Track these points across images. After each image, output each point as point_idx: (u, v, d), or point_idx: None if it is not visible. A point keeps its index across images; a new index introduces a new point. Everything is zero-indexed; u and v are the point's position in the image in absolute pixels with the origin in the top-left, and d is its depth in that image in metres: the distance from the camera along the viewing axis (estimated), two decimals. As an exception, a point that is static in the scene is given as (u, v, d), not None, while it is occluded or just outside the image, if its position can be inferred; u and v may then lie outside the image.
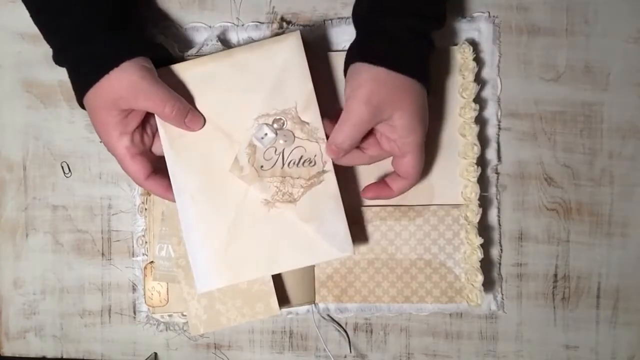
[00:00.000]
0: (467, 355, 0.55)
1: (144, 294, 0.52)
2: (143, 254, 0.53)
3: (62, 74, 0.54)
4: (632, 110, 0.54)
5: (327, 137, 0.46)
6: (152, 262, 0.51)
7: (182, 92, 0.45)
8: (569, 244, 0.55)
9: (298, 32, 0.46)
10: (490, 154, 0.54)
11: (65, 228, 0.55)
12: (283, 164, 0.46)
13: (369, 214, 0.52)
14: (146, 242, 0.52)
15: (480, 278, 0.50)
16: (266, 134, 0.45)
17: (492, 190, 0.54)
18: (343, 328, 0.55)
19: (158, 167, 0.46)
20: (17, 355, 0.55)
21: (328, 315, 0.55)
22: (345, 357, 0.55)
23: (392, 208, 0.52)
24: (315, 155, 0.46)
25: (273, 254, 0.45)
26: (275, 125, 0.46)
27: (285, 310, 0.53)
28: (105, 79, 0.42)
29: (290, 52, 0.46)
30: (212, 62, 0.46)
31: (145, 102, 0.43)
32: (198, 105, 0.46)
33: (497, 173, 0.54)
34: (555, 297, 0.55)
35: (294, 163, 0.46)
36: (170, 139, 0.45)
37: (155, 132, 0.46)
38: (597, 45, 0.54)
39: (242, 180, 0.46)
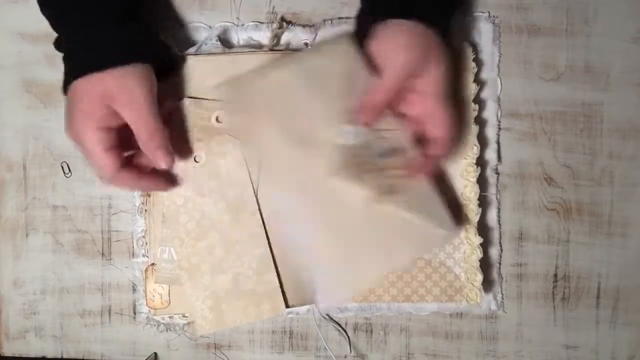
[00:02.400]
0: (467, 355, 0.55)
1: (145, 296, 0.51)
2: (143, 255, 0.53)
3: (62, 73, 0.54)
4: (632, 110, 0.54)
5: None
6: (153, 264, 0.51)
7: (250, 106, 0.44)
8: (569, 244, 0.55)
9: (348, 34, 0.46)
10: (490, 154, 0.54)
11: (65, 228, 0.55)
12: (376, 157, 0.46)
13: None
14: (146, 244, 0.52)
15: (479, 277, 0.51)
16: (350, 131, 0.45)
17: (492, 190, 0.54)
18: (343, 328, 0.55)
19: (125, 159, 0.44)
20: (17, 355, 0.55)
21: (328, 315, 0.55)
22: (345, 357, 0.55)
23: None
24: (400, 143, 0.46)
25: (389, 252, 0.46)
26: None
27: (285, 310, 0.53)
28: (108, 73, 0.41)
29: (346, 50, 0.46)
30: (275, 71, 0.45)
31: (130, 116, 0.42)
32: (272, 115, 0.44)
33: (497, 173, 0.54)
34: (555, 297, 0.55)
35: (385, 155, 0.46)
36: (259, 166, 0.45)
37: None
38: (597, 45, 0.54)
39: (341, 182, 0.44)
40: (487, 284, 0.54)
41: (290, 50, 0.52)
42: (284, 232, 0.46)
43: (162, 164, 0.43)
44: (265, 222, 0.47)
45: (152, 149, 0.43)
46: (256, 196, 0.47)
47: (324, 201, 0.45)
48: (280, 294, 0.49)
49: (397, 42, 0.43)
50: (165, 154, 0.43)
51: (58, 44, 0.45)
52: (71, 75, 0.42)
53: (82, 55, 0.42)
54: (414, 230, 0.46)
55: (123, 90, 0.41)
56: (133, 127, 0.42)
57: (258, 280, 0.48)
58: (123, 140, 0.43)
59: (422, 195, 0.46)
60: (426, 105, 0.45)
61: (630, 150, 0.54)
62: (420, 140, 0.47)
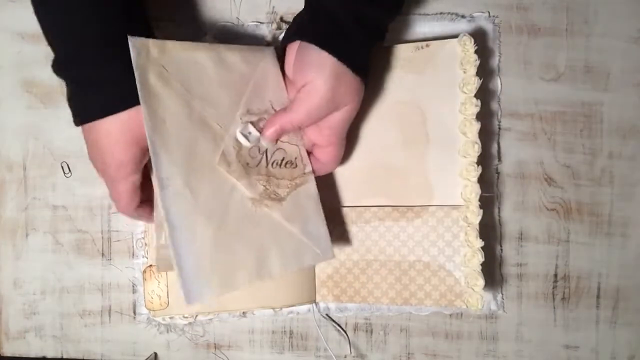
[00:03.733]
0: (467, 355, 0.55)
1: (144, 298, 0.51)
2: (143, 257, 0.53)
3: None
4: (632, 110, 0.54)
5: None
6: (151, 265, 0.51)
7: (171, 70, 0.42)
8: (569, 244, 0.55)
9: (272, 48, 0.47)
10: (491, 153, 0.54)
11: (65, 228, 0.55)
12: (267, 164, 0.45)
13: (367, 214, 0.52)
14: (146, 245, 0.52)
15: (481, 282, 0.48)
16: (250, 132, 0.45)
17: (492, 190, 0.54)
18: (343, 328, 0.55)
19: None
20: (17, 355, 0.55)
21: (327, 315, 0.55)
22: (345, 357, 0.55)
23: (390, 209, 0.51)
24: (295, 158, 0.47)
25: (261, 258, 0.43)
26: (260, 124, 0.45)
27: (285, 309, 0.53)
28: (135, 113, 0.40)
29: (268, 62, 0.47)
30: (200, 52, 0.44)
31: None
32: (184, 88, 0.43)
33: (497, 173, 0.54)
34: (555, 297, 0.55)
35: (277, 164, 0.46)
36: (154, 124, 0.40)
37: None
38: (597, 45, 0.54)
39: (231, 176, 0.43)
40: (487, 284, 0.54)
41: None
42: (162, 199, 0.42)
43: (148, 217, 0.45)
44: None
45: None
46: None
47: (211, 184, 0.43)
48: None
49: (323, 82, 0.42)
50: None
51: (59, 68, 0.42)
52: (93, 112, 0.40)
53: (106, 88, 0.40)
54: (292, 242, 0.45)
55: None
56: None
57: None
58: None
59: (306, 212, 0.46)
60: (322, 136, 0.46)
61: (630, 150, 0.54)
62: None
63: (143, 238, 0.53)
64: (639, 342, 0.55)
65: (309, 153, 0.48)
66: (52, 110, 0.54)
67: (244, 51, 0.46)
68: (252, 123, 0.45)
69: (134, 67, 0.39)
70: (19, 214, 0.55)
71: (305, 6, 0.46)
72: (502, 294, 0.54)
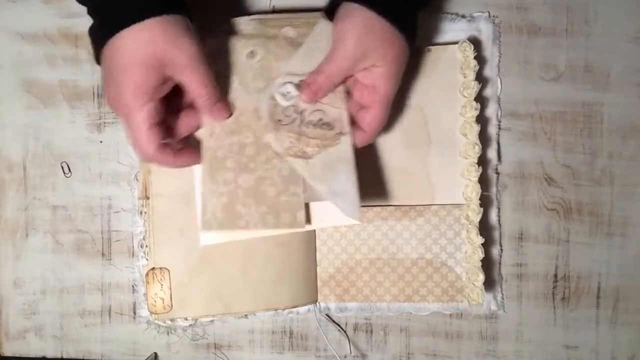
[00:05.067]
0: (467, 355, 0.55)
1: (147, 301, 0.51)
2: (143, 257, 0.53)
3: (62, 73, 0.54)
4: (632, 110, 0.54)
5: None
6: (153, 268, 0.51)
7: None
8: (569, 244, 0.55)
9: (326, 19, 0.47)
10: (491, 154, 0.54)
11: (65, 228, 0.55)
12: (301, 123, 0.46)
13: (370, 213, 0.52)
14: (146, 246, 0.52)
15: (481, 277, 0.50)
16: (289, 92, 0.46)
17: (492, 190, 0.54)
18: (343, 328, 0.55)
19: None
20: (17, 355, 0.55)
21: (327, 315, 0.55)
22: (345, 357, 0.55)
23: (394, 208, 0.52)
24: (334, 120, 0.46)
25: (275, 210, 0.44)
26: (301, 85, 0.46)
27: (285, 309, 0.53)
28: (155, 24, 0.37)
29: (322, 27, 0.47)
30: (254, 24, 0.47)
31: (190, 76, 0.40)
32: (231, 57, 0.46)
33: (497, 173, 0.54)
34: (555, 297, 0.55)
35: (311, 124, 0.46)
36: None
37: (182, 109, 0.44)
38: (597, 45, 0.54)
39: (259, 129, 0.45)
40: (488, 284, 0.54)
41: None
42: None
43: (223, 117, 0.44)
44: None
45: (212, 104, 0.43)
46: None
47: (241, 139, 0.45)
48: (304, 210, 0.45)
49: (351, 29, 0.42)
50: (224, 106, 0.44)
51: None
52: (108, 28, 0.38)
53: (119, 4, 0.38)
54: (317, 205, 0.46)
55: (176, 50, 0.39)
56: (190, 87, 0.41)
57: (284, 189, 0.45)
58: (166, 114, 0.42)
59: (338, 173, 0.45)
60: (364, 95, 0.45)
61: (630, 150, 0.54)
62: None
63: (143, 238, 0.53)
64: (639, 342, 0.55)
65: (354, 124, 0.46)
66: (52, 110, 0.54)
67: (299, 18, 0.48)
68: (292, 83, 0.46)
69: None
70: (19, 214, 0.55)
71: None
72: (502, 294, 0.54)
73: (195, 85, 0.41)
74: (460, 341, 0.55)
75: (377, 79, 0.44)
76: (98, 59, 0.42)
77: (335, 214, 0.44)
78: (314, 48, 0.46)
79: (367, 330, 0.55)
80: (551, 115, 0.54)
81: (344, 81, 0.46)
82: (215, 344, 0.55)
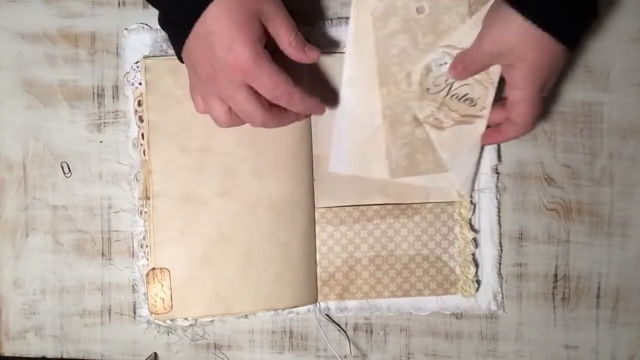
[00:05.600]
0: (467, 355, 0.55)
1: (147, 301, 0.51)
2: (143, 257, 0.53)
3: (62, 73, 0.54)
4: (632, 110, 0.54)
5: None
6: (154, 268, 0.51)
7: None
8: (569, 244, 0.55)
9: None
10: (490, 154, 0.54)
11: (65, 228, 0.55)
12: (447, 94, 0.49)
13: (369, 212, 0.53)
14: (147, 246, 0.52)
15: (472, 269, 0.53)
16: (445, 62, 0.47)
17: (492, 190, 0.54)
18: (343, 329, 0.55)
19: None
20: (17, 355, 0.55)
21: (327, 315, 0.55)
22: (345, 357, 0.55)
23: (392, 206, 0.53)
24: (479, 98, 0.49)
25: (401, 162, 0.50)
26: None
27: (285, 310, 0.53)
28: None
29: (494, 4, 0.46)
30: None
31: (280, 25, 0.41)
32: (402, 15, 0.46)
33: (497, 173, 0.54)
34: (555, 297, 0.55)
35: (456, 97, 0.49)
36: (356, 32, 0.46)
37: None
38: (597, 45, 0.54)
39: (406, 94, 0.48)
40: (487, 284, 0.54)
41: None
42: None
43: (315, 56, 0.44)
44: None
45: (301, 47, 0.43)
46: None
47: (385, 99, 0.49)
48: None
49: (492, 26, 0.43)
50: (313, 47, 0.44)
51: None
52: (192, 10, 0.39)
53: None
54: (437, 165, 0.51)
55: (264, 2, 0.40)
56: (279, 36, 0.42)
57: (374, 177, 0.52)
58: None
59: (462, 145, 0.50)
60: (511, 93, 0.46)
61: (630, 150, 0.54)
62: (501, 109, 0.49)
63: (143, 239, 0.53)
64: (639, 342, 0.55)
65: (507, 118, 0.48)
66: (52, 110, 0.54)
67: None
68: (449, 54, 0.47)
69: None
70: (19, 214, 0.55)
71: None
72: (502, 294, 0.54)
73: (284, 32, 0.42)
74: (460, 341, 0.55)
75: (518, 81, 0.45)
76: (181, 49, 0.42)
77: (452, 179, 0.51)
78: (479, 24, 0.46)
79: (367, 330, 0.55)
80: (551, 115, 0.54)
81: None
82: (215, 344, 0.55)
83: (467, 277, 0.53)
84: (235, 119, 0.45)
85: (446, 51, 0.47)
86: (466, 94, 0.49)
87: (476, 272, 0.53)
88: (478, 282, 0.54)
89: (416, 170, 0.51)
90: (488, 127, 0.51)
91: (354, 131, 0.50)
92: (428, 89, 0.48)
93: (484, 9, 0.46)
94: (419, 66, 0.48)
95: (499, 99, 0.50)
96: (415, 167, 0.51)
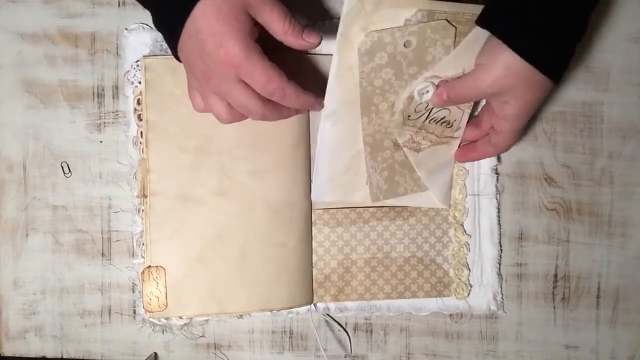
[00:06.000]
0: (467, 355, 0.55)
1: (142, 299, 0.51)
2: (140, 256, 0.53)
3: (62, 73, 0.54)
4: (632, 110, 0.54)
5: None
6: (149, 266, 0.51)
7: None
8: (569, 244, 0.55)
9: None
10: (490, 154, 0.54)
11: (65, 228, 0.55)
12: (426, 119, 0.49)
13: (366, 214, 0.53)
14: (143, 244, 0.52)
15: (466, 272, 0.53)
16: (428, 92, 0.47)
17: (492, 190, 0.54)
18: (344, 328, 0.55)
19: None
20: (17, 355, 0.55)
21: (328, 315, 0.55)
22: (345, 357, 0.55)
23: (388, 209, 0.53)
24: (455, 120, 0.50)
25: (382, 186, 0.51)
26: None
27: (280, 310, 0.53)
28: None
29: (477, 36, 0.45)
30: (408, 10, 0.44)
31: (270, 14, 0.40)
32: (390, 48, 0.45)
33: (497, 173, 0.54)
34: (555, 297, 0.55)
35: (435, 120, 0.50)
36: (340, 67, 0.45)
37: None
38: (597, 45, 0.54)
39: (388, 122, 0.49)
40: (487, 285, 0.54)
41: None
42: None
43: (314, 42, 0.42)
44: None
45: (298, 33, 0.42)
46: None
47: (372, 124, 0.49)
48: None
49: (491, 68, 0.42)
50: (312, 32, 0.42)
51: None
52: (181, 10, 0.39)
53: None
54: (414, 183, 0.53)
55: None
56: (272, 25, 0.41)
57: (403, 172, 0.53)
58: None
59: (437, 164, 0.52)
60: (498, 123, 0.46)
61: (630, 150, 0.54)
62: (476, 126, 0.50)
63: (141, 238, 0.53)
64: (639, 342, 0.55)
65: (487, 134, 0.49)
66: (52, 110, 0.54)
67: (455, 12, 0.45)
68: (433, 84, 0.47)
69: (343, 15, 0.40)
70: (19, 214, 0.55)
71: None
72: (502, 294, 0.54)
73: (276, 22, 0.41)
74: (460, 341, 0.55)
75: (508, 115, 0.45)
76: (175, 49, 0.42)
77: (430, 197, 0.53)
78: (462, 55, 0.46)
79: (367, 330, 0.55)
80: (551, 115, 0.54)
81: None
82: (215, 344, 0.55)
83: (460, 279, 0.53)
84: (235, 114, 0.44)
85: (430, 80, 0.47)
86: (444, 117, 0.49)
87: (469, 274, 0.54)
88: (471, 284, 0.54)
89: (396, 192, 0.52)
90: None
91: (335, 161, 0.50)
92: (409, 116, 0.49)
93: (467, 39, 0.45)
94: (403, 97, 0.48)
95: (472, 117, 0.51)
96: (395, 188, 0.52)
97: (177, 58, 0.44)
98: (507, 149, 0.49)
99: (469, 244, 0.54)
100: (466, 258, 0.54)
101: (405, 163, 0.51)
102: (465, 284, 0.53)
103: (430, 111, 0.49)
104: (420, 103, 0.48)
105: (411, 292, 0.53)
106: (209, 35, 0.39)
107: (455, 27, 0.45)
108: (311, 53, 0.51)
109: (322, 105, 0.47)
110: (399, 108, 0.48)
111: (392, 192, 0.52)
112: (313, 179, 0.51)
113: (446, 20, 0.44)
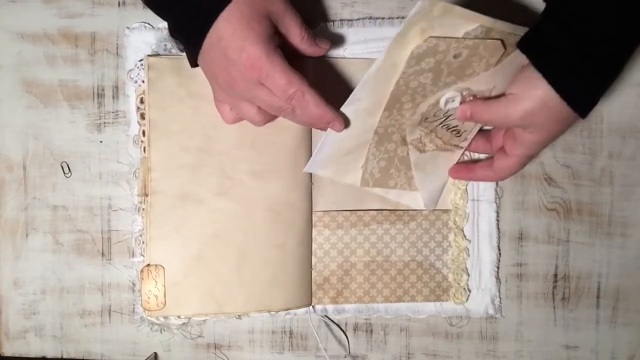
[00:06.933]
0: (467, 355, 0.55)
1: (141, 297, 0.51)
2: (140, 255, 0.53)
3: (62, 73, 0.54)
4: (632, 110, 0.54)
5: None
6: (148, 264, 0.51)
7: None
8: (569, 244, 0.55)
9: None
10: (490, 154, 0.54)
11: (65, 228, 0.55)
12: (440, 124, 0.49)
13: (366, 217, 0.53)
14: (143, 243, 0.52)
15: (465, 277, 0.53)
16: (454, 101, 0.46)
17: (492, 195, 0.54)
18: (342, 329, 0.55)
19: None
20: (17, 355, 0.55)
21: (326, 316, 0.55)
22: (345, 357, 0.55)
23: (389, 212, 0.53)
24: (465, 131, 0.50)
25: (375, 174, 0.51)
26: (468, 98, 0.47)
27: (279, 311, 0.53)
28: None
29: (516, 59, 0.44)
30: (470, 24, 0.42)
31: (290, 21, 0.42)
32: (440, 57, 0.42)
33: (497, 173, 0.54)
34: (555, 297, 0.55)
35: (447, 127, 0.49)
36: (387, 63, 0.42)
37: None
38: (597, 45, 0.54)
39: (405, 120, 0.48)
40: (486, 288, 0.54)
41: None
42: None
43: (326, 48, 0.46)
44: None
45: (312, 41, 0.44)
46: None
47: (378, 120, 0.48)
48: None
49: (525, 99, 0.42)
50: (325, 39, 0.46)
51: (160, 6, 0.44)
52: (205, 19, 0.40)
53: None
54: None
55: (270, 2, 0.41)
56: (290, 31, 0.43)
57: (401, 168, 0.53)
58: None
59: (435, 169, 0.52)
60: (510, 147, 0.46)
61: (630, 150, 0.54)
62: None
63: (140, 236, 0.53)
64: (639, 342, 0.55)
65: (491, 157, 0.49)
66: (52, 110, 0.54)
67: (510, 33, 0.43)
68: (462, 95, 0.46)
69: (410, 15, 0.39)
70: (19, 214, 0.55)
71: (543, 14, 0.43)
72: (500, 299, 0.54)
73: (295, 28, 0.43)
74: (460, 341, 0.55)
75: (527, 141, 0.44)
76: (196, 59, 0.43)
77: (416, 198, 0.53)
78: (499, 74, 0.45)
79: (367, 330, 0.55)
80: (551, 115, 0.54)
81: None
82: (215, 343, 0.55)
83: (459, 284, 0.53)
84: (267, 115, 0.45)
85: (459, 91, 0.46)
86: (456, 126, 0.49)
87: (468, 279, 0.54)
88: (470, 289, 0.54)
89: (386, 183, 0.52)
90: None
91: (341, 142, 0.48)
92: (427, 119, 0.48)
93: (507, 59, 0.44)
94: (430, 101, 0.47)
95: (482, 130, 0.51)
96: (386, 180, 0.52)
97: (193, 65, 0.44)
98: (506, 177, 0.48)
99: (468, 249, 0.54)
100: (465, 263, 0.54)
101: (405, 160, 0.51)
102: (464, 289, 0.53)
103: (447, 118, 0.48)
104: (441, 109, 0.47)
105: (410, 296, 0.53)
106: (231, 40, 0.40)
107: (505, 49, 0.44)
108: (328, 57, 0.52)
109: (342, 126, 0.45)
110: (422, 111, 0.48)
111: (382, 182, 0.52)
112: (314, 152, 0.49)
113: (501, 40, 0.43)
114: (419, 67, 0.43)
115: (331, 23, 0.53)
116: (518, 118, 0.42)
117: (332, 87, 0.51)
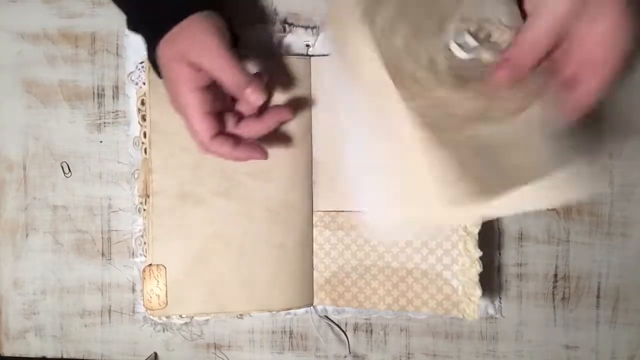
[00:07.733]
0: (467, 355, 0.55)
1: (143, 297, 0.51)
2: (141, 254, 0.53)
3: (62, 73, 0.54)
4: (633, 110, 0.54)
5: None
6: (150, 264, 0.51)
7: None
8: (569, 244, 0.55)
9: None
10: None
11: (65, 228, 0.55)
12: (480, 72, 0.38)
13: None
14: (144, 243, 0.52)
15: (478, 292, 0.48)
16: (466, 42, 0.38)
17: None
18: (342, 329, 0.55)
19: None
20: (17, 355, 0.55)
21: (326, 316, 0.55)
22: (345, 357, 0.55)
23: None
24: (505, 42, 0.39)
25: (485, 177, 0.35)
26: (480, 35, 0.38)
27: (280, 311, 0.53)
28: (177, 30, 0.41)
29: None
30: None
31: (209, 63, 0.40)
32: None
33: (497, 173, 0.54)
34: (555, 297, 0.55)
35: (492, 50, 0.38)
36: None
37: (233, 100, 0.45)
38: (597, 45, 0.53)
39: (439, 86, 0.36)
40: (486, 289, 0.54)
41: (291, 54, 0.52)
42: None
43: (257, 99, 0.41)
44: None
45: (242, 89, 0.41)
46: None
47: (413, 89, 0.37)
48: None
49: None
50: (256, 88, 0.41)
51: (131, 17, 0.45)
52: (151, 49, 0.43)
53: (146, 24, 0.43)
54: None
55: (193, 40, 0.40)
56: (215, 74, 0.41)
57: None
58: (221, 107, 0.44)
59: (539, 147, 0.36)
60: (580, 73, 0.36)
61: (630, 150, 0.54)
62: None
63: (142, 236, 0.53)
64: (639, 342, 0.55)
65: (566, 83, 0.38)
66: (52, 110, 0.54)
67: None
68: (469, 32, 0.37)
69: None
70: (19, 214, 0.55)
71: None
72: (500, 299, 0.54)
73: (216, 70, 0.40)
74: (460, 341, 0.55)
75: (597, 45, 0.35)
76: (160, 73, 0.45)
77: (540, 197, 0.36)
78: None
79: (367, 330, 0.55)
80: (551, 115, 0.54)
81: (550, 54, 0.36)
82: (215, 343, 0.55)
83: (470, 299, 0.49)
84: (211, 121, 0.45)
85: (463, 28, 0.37)
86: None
87: (481, 295, 0.48)
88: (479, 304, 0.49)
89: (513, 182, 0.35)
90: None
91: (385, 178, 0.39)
92: (461, 76, 0.37)
93: None
94: (438, 49, 0.37)
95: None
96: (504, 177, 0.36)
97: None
98: (594, 97, 0.38)
99: (481, 261, 0.49)
100: (478, 276, 0.48)
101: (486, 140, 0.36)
102: (477, 305, 0.48)
103: (481, 62, 0.38)
104: (468, 60, 0.38)
105: (414, 306, 0.50)
106: (166, 70, 0.43)
107: None
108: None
109: (289, 115, 0.46)
110: (442, 65, 0.37)
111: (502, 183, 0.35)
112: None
113: None
114: (385, 15, 0.35)
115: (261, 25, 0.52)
116: (574, 3, 0.34)
117: (297, 86, 0.50)
